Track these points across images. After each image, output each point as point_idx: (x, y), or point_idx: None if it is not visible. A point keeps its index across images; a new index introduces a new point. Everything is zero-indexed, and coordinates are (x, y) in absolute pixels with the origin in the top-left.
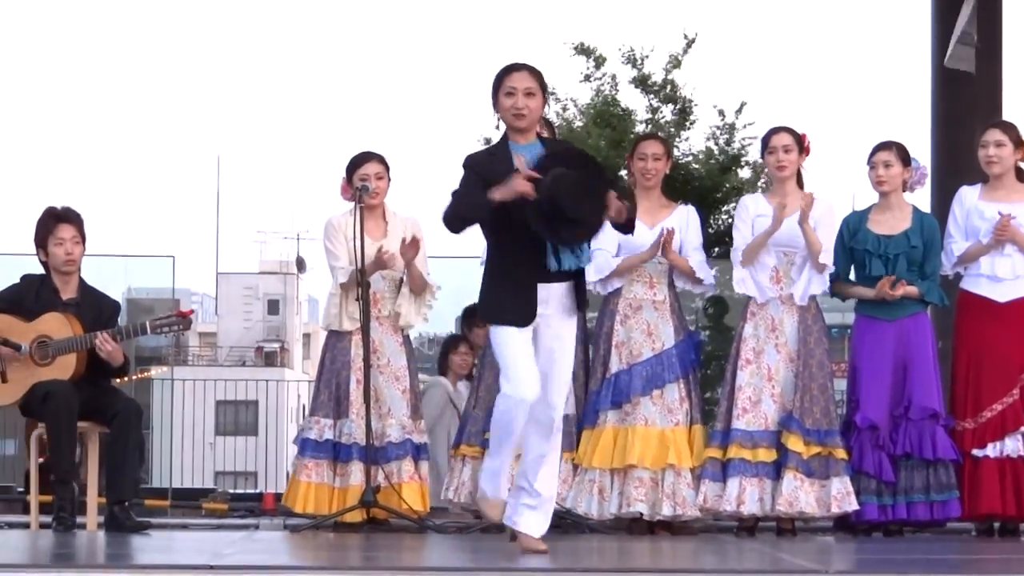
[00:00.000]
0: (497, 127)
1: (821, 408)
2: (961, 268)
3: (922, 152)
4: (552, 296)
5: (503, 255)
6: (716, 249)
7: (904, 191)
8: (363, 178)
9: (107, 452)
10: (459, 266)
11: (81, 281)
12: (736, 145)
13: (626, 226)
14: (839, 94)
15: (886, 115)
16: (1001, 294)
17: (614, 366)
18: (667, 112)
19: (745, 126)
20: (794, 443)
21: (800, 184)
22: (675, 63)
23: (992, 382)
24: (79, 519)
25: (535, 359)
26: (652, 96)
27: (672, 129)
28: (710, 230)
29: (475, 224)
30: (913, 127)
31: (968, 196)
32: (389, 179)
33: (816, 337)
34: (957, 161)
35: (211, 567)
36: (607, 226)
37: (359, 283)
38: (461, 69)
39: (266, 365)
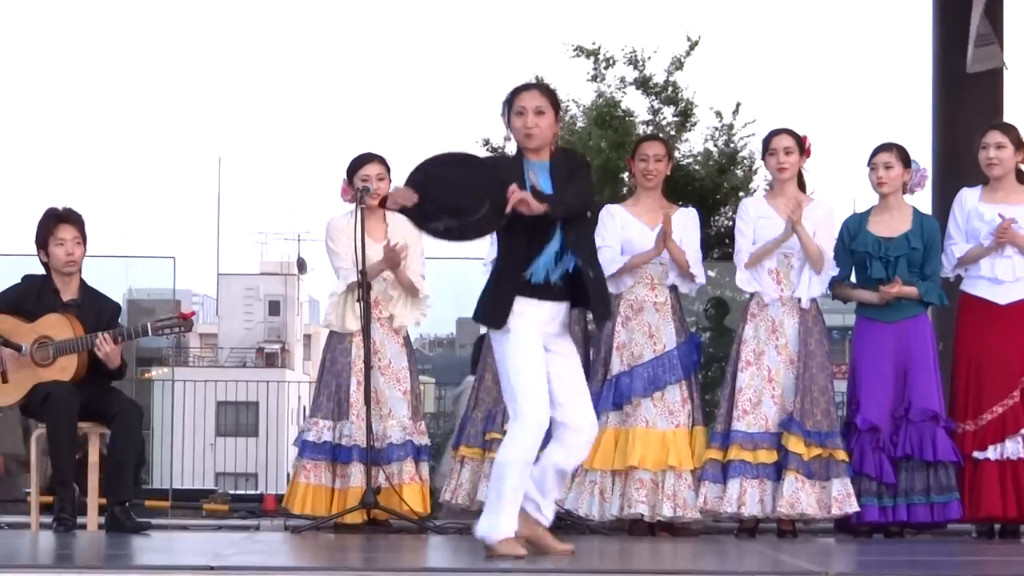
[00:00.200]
0: (507, 139)
1: (822, 410)
2: (961, 270)
3: (923, 154)
4: (559, 315)
5: (511, 261)
6: (716, 251)
7: (904, 193)
8: (364, 179)
9: (107, 453)
10: (459, 268)
11: (82, 282)
12: (733, 146)
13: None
14: (840, 96)
15: (887, 117)
16: (1001, 296)
17: (615, 368)
18: (668, 114)
19: (745, 125)
20: (794, 445)
21: (801, 186)
22: (677, 65)
23: (992, 384)
24: (80, 520)
25: (556, 383)
26: (653, 98)
27: (673, 132)
28: (710, 231)
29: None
30: (914, 129)
31: (968, 198)
32: (390, 180)
33: (817, 339)
34: (958, 163)
35: (211, 568)
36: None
37: (360, 284)
38: (462, 70)
39: (267, 366)
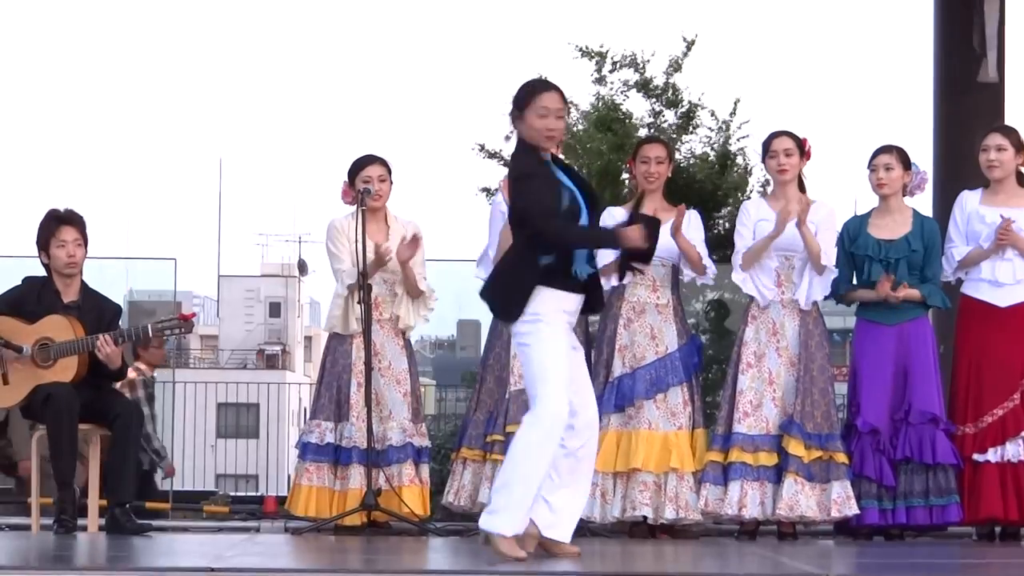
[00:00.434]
0: (508, 138)
1: (822, 412)
2: (962, 273)
3: (924, 157)
4: (580, 307)
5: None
6: (715, 253)
7: (904, 196)
8: (365, 181)
9: (108, 454)
10: (458, 270)
11: (83, 284)
12: (731, 147)
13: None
14: (841, 99)
15: (888, 120)
16: (1002, 299)
17: (617, 369)
18: (669, 116)
19: (740, 126)
20: (795, 447)
21: (802, 188)
22: (676, 67)
23: (993, 387)
24: (80, 521)
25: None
26: (654, 100)
27: (674, 134)
28: (711, 233)
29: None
30: (915, 132)
31: (969, 200)
32: (391, 182)
33: (817, 341)
34: (959, 166)
35: (212, 570)
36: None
37: (361, 286)
38: (463, 72)
39: (267, 368)
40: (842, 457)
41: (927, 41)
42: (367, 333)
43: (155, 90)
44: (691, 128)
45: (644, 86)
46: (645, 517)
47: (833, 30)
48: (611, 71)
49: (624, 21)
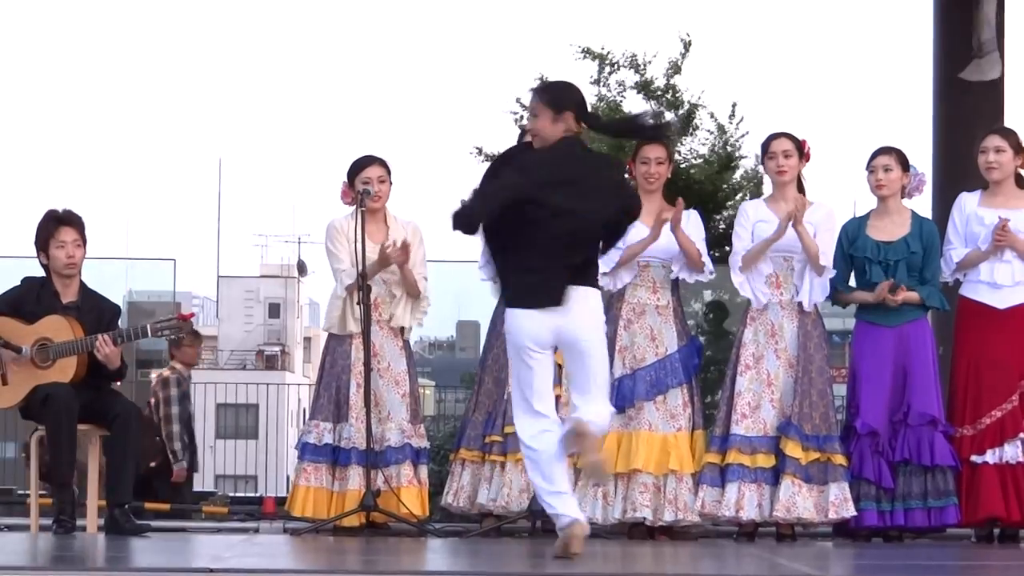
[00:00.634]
0: (528, 128)
1: (820, 414)
2: (960, 274)
3: (923, 158)
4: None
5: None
6: (715, 252)
7: (902, 197)
8: (365, 182)
9: (107, 455)
10: (458, 270)
11: (82, 284)
12: (730, 148)
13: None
14: (840, 100)
15: (887, 121)
16: (1000, 300)
17: (617, 371)
18: (669, 117)
19: (737, 127)
20: (792, 449)
21: (801, 190)
22: (675, 69)
23: (991, 388)
24: (79, 522)
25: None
26: (654, 102)
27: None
28: (710, 234)
29: None
30: (914, 133)
31: (968, 202)
32: (391, 183)
33: (816, 342)
34: (958, 167)
35: (211, 570)
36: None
37: (360, 287)
38: (463, 73)
39: (267, 368)
40: (840, 459)
41: (926, 41)
42: (366, 334)
43: (154, 90)
44: (692, 130)
45: (644, 87)
46: (645, 519)
47: (832, 31)
48: (611, 72)
49: (625, 22)
